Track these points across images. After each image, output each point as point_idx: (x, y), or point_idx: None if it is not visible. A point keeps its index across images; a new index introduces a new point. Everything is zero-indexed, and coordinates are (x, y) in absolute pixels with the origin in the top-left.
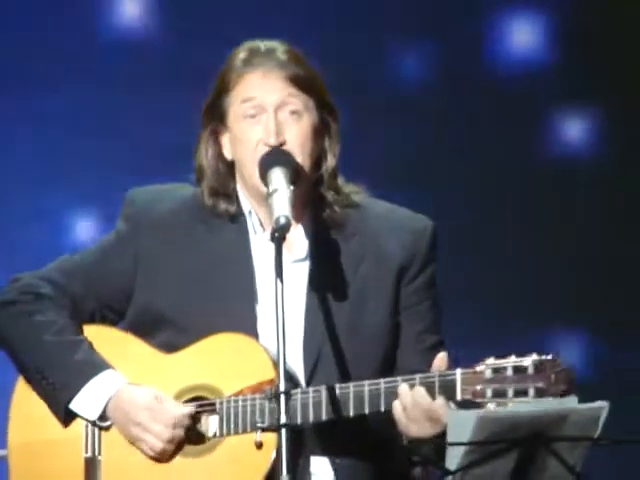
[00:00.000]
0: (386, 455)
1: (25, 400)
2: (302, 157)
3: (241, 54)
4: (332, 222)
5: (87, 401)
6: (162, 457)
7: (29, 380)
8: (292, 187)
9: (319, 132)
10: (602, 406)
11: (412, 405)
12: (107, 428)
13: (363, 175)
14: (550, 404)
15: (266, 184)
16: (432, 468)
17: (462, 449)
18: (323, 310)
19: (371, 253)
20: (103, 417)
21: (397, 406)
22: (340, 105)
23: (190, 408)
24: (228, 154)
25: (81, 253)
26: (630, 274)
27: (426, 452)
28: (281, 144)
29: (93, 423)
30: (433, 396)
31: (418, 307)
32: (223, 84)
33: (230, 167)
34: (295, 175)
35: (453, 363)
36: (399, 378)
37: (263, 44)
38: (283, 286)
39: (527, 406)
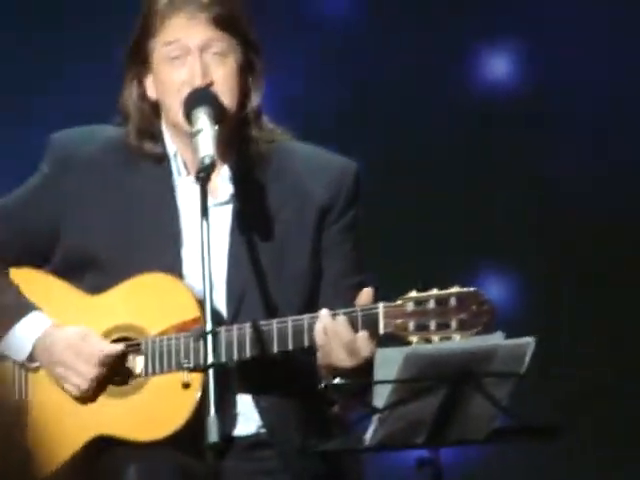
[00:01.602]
0: (311, 395)
1: None
2: (228, 97)
3: None
4: (257, 160)
5: (15, 343)
6: (86, 396)
7: None
8: (217, 127)
9: (244, 71)
10: (528, 342)
11: (333, 333)
12: (35, 370)
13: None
14: (477, 341)
15: (191, 124)
16: (355, 406)
17: (389, 387)
18: (246, 252)
19: (295, 194)
20: (31, 359)
21: (319, 331)
22: None
23: (115, 346)
24: (152, 94)
25: (5, 198)
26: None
27: (355, 391)
28: (208, 85)
29: (21, 365)
30: (356, 330)
31: (340, 248)
32: (146, 27)
33: (155, 107)
34: (220, 114)
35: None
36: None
37: None
38: (209, 227)
39: (454, 343)
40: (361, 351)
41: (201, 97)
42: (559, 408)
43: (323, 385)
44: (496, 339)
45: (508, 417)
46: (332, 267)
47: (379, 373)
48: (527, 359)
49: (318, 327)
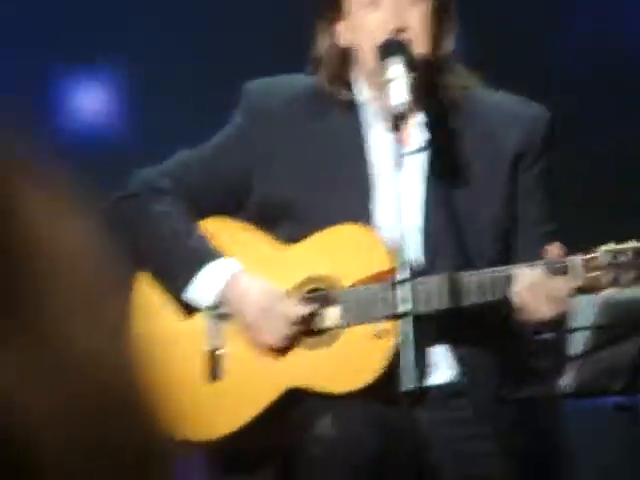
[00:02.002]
0: (510, 344)
1: (146, 292)
2: (422, 42)
3: None
4: (450, 107)
5: (202, 288)
6: (278, 352)
7: (148, 270)
8: (412, 74)
9: (438, 14)
10: None
11: (530, 284)
12: (226, 319)
13: None
14: None
15: (385, 72)
16: (556, 354)
17: (585, 334)
18: (442, 200)
19: (489, 140)
20: (220, 303)
21: (516, 287)
22: None
23: (305, 308)
24: (345, 40)
25: (200, 147)
26: None
27: (551, 339)
28: (401, 30)
29: (212, 314)
30: (552, 277)
31: (534, 194)
32: None
33: (347, 54)
34: (414, 62)
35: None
36: (522, 265)
37: None
38: (402, 176)
39: None
40: (560, 297)
41: (396, 44)
42: None
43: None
44: None
45: None
46: (527, 213)
47: (575, 321)
48: None
49: (520, 287)
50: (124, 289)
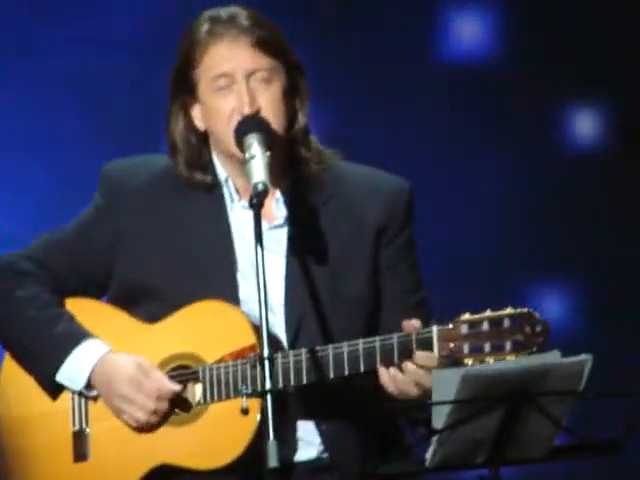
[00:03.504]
0: (372, 418)
1: (13, 376)
2: (276, 121)
3: (203, 26)
4: (309, 183)
5: (72, 371)
6: (146, 428)
7: (15, 356)
8: (268, 153)
9: (289, 93)
10: (586, 359)
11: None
12: (95, 399)
13: None
14: (533, 359)
15: (242, 151)
16: (419, 428)
17: (448, 408)
18: (304, 275)
19: (349, 215)
20: (89, 387)
21: (384, 372)
22: None
23: (175, 384)
24: (200, 125)
25: (61, 229)
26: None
27: (411, 414)
28: (256, 112)
29: (80, 394)
30: (411, 354)
31: (399, 267)
32: (189, 58)
33: (203, 137)
34: (270, 140)
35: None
36: (377, 338)
37: (223, 11)
38: (264, 252)
39: (510, 362)
40: (425, 382)
41: (251, 124)
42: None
43: (385, 407)
44: (553, 357)
45: (568, 434)
46: (392, 286)
47: (437, 394)
48: (585, 376)
49: (383, 371)
50: None
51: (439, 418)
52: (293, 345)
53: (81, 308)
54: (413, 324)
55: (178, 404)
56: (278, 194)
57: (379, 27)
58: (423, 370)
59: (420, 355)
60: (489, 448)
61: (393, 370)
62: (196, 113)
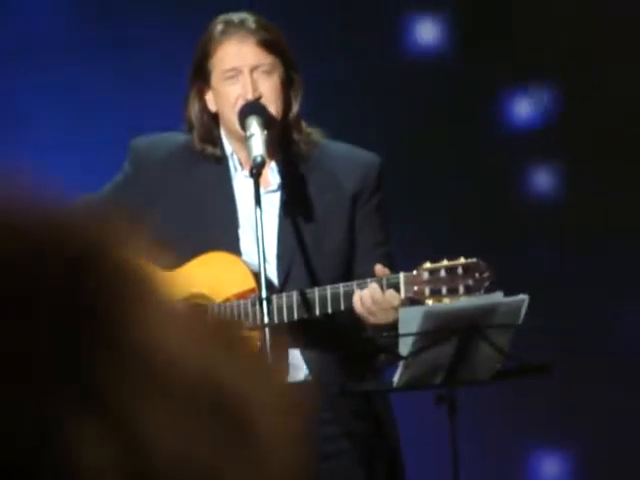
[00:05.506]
0: (350, 346)
1: None
2: (274, 107)
3: (218, 26)
4: (299, 158)
5: None
6: None
7: None
8: (266, 131)
9: (286, 85)
10: (523, 298)
11: (368, 297)
12: None
13: None
14: (482, 299)
15: (244, 130)
16: (388, 354)
17: (411, 339)
18: (293, 232)
19: (331, 183)
20: None
21: (357, 302)
22: None
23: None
24: (212, 107)
25: (98, 192)
26: None
27: (384, 342)
28: (257, 98)
29: None
30: (383, 291)
31: (370, 224)
32: (205, 51)
33: (214, 118)
34: (268, 121)
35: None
36: (354, 282)
37: (235, 16)
38: (262, 212)
39: (463, 302)
40: (392, 306)
41: (253, 108)
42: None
43: (367, 336)
44: (497, 297)
45: (509, 360)
46: (365, 240)
47: (403, 327)
48: (522, 312)
49: (356, 301)
50: None
51: (405, 347)
52: (283, 289)
53: None
54: (384, 270)
55: None
56: (273, 164)
57: (347, 27)
58: (389, 306)
59: (389, 294)
60: (446, 371)
61: (365, 297)
62: (209, 97)
